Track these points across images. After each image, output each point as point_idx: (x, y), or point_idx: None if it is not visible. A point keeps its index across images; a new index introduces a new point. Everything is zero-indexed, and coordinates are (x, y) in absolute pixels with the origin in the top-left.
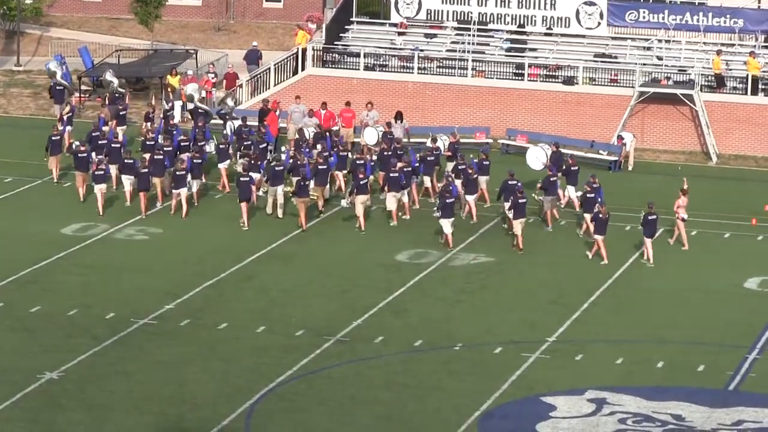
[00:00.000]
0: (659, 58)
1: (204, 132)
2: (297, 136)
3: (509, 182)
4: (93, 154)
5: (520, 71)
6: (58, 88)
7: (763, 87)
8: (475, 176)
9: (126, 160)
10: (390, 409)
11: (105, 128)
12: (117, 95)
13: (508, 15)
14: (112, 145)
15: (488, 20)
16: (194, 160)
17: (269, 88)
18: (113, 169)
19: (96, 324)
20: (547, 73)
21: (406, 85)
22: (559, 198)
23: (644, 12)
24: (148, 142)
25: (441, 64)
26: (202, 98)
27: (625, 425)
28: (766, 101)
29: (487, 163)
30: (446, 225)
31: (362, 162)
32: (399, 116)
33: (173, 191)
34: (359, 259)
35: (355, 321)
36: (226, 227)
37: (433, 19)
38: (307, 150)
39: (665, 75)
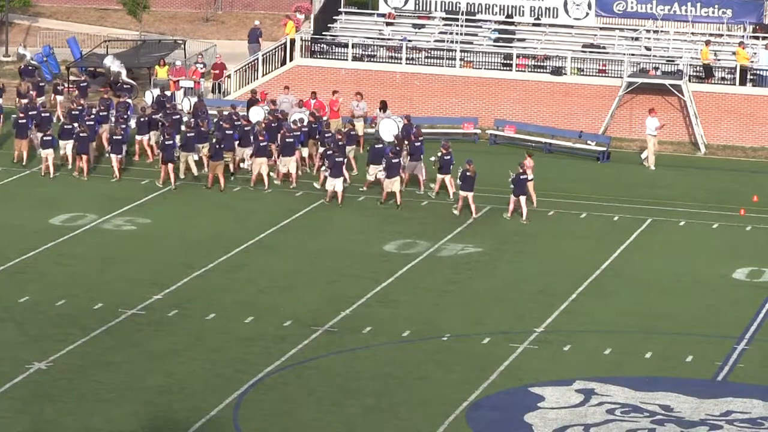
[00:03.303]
0: (647, 49)
1: (127, 106)
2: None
3: (376, 147)
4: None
5: (508, 61)
6: None
7: (752, 77)
8: (343, 143)
9: (65, 126)
10: (378, 399)
11: (24, 100)
12: (30, 67)
13: (496, 5)
14: (42, 115)
15: (476, 10)
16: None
17: (257, 78)
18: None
19: (84, 314)
20: (535, 63)
21: (394, 75)
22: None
23: (632, 2)
24: (73, 112)
25: (429, 55)
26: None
27: (613, 416)
28: (755, 92)
29: (354, 133)
30: (331, 183)
31: (249, 128)
32: (383, 106)
33: (111, 155)
34: (347, 249)
35: (343, 311)
36: (214, 217)
37: (421, 9)
38: (207, 117)
39: (653, 65)
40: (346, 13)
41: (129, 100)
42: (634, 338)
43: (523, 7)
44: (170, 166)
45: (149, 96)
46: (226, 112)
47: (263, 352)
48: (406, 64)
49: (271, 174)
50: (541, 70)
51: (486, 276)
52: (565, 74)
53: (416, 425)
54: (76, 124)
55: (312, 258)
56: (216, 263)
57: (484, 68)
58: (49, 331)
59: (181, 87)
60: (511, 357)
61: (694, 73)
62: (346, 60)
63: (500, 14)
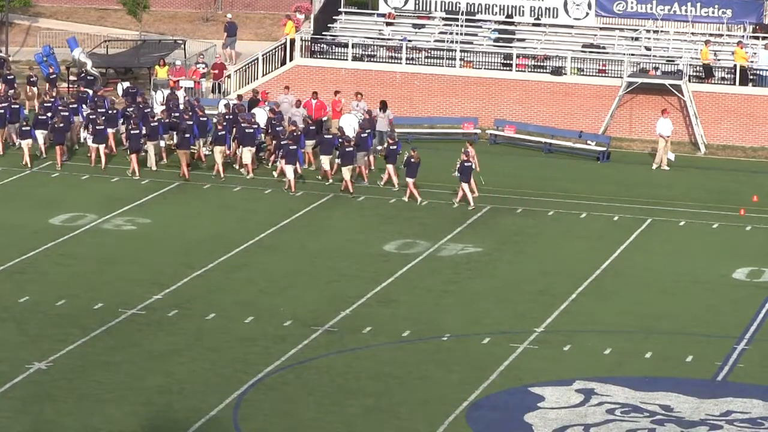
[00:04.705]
0: (647, 49)
1: (87, 96)
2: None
3: (325, 137)
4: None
5: (508, 61)
6: None
7: (752, 77)
8: (298, 134)
9: (40, 116)
10: (378, 399)
11: None
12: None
13: (496, 5)
14: (12, 107)
15: (476, 10)
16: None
17: (257, 78)
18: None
19: (84, 314)
20: (535, 63)
21: (394, 75)
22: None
23: (632, 2)
24: (46, 104)
25: (429, 55)
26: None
27: (613, 416)
28: (755, 92)
29: (314, 128)
30: (289, 171)
31: (205, 119)
32: (384, 106)
33: (91, 145)
34: (347, 249)
35: (343, 311)
36: (214, 217)
37: (421, 9)
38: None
39: (653, 65)
40: (346, 13)
41: (89, 91)
42: (634, 338)
43: (523, 7)
44: (134, 156)
45: (119, 88)
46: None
47: (263, 352)
48: (406, 64)
49: (241, 171)
50: (541, 70)
51: (486, 276)
52: (565, 74)
53: (416, 425)
54: (49, 114)
55: (312, 258)
56: (216, 263)
57: (484, 68)
58: (49, 331)
59: (182, 87)
60: (511, 357)
61: (694, 73)
62: (346, 60)
63: (500, 14)
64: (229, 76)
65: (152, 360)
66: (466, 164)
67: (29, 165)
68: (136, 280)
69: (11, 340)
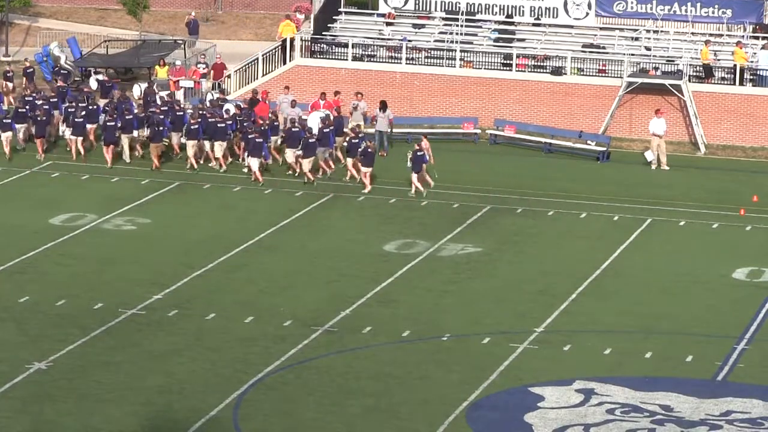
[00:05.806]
0: (647, 49)
1: (66, 91)
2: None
3: (293, 129)
4: None
5: (508, 61)
6: None
7: (751, 77)
8: (265, 128)
9: (19, 110)
10: (378, 399)
11: None
12: None
13: (496, 5)
14: None
15: (476, 10)
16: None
17: (257, 78)
18: None
19: (84, 314)
20: (535, 63)
21: (394, 75)
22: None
23: (632, 2)
24: (27, 98)
25: (429, 55)
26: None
27: (613, 416)
28: (755, 91)
29: (277, 123)
30: (254, 163)
31: (181, 114)
32: (383, 106)
33: (71, 137)
34: (347, 249)
35: (343, 311)
36: (214, 217)
37: (421, 9)
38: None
39: (653, 65)
40: (346, 13)
41: (66, 84)
42: (634, 338)
43: (523, 7)
44: (110, 148)
45: (93, 82)
46: (161, 97)
47: (263, 352)
48: (406, 64)
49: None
50: (541, 70)
51: (486, 276)
52: (565, 74)
53: (416, 425)
54: (27, 107)
55: (312, 258)
56: (216, 263)
57: (484, 68)
58: (49, 331)
59: (181, 87)
60: (511, 357)
61: (694, 73)
62: (346, 60)
63: (500, 14)
64: (228, 76)
65: (152, 360)
66: (418, 153)
67: (9, 157)
68: (136, 280)
69: (11, 340)
